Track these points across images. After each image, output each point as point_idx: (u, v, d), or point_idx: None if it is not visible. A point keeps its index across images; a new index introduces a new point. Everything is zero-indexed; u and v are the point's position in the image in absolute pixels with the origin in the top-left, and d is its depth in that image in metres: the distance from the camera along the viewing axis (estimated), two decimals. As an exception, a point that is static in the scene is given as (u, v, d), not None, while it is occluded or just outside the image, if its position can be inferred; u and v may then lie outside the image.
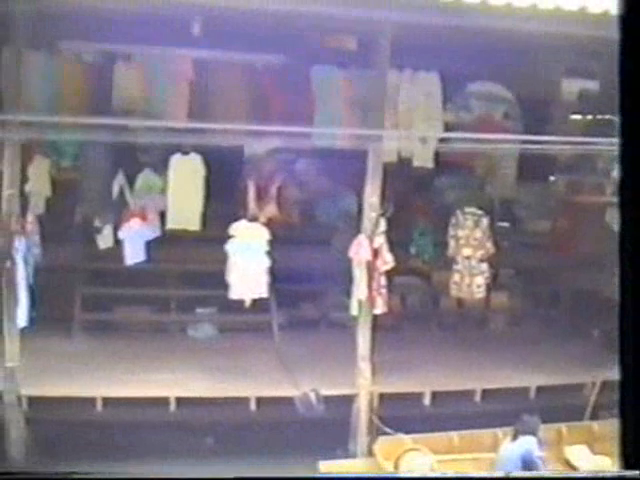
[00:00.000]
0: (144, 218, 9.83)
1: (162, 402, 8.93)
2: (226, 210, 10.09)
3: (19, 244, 8.34)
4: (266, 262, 9.62)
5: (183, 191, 9.94)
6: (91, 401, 8.80)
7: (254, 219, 9.81)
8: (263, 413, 9.12)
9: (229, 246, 9.52)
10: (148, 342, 10.64)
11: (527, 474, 7.57)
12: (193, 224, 10.02)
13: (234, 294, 9.64)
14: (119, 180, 9.86)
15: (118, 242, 9.87)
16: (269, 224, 9.90)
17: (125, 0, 7.94)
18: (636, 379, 5.15)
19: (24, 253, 8.43)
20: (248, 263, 9.55)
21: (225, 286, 9.64)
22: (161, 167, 10.07)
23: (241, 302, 9.75)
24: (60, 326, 10.43)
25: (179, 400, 8.96)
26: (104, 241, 10.04)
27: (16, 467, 8.40)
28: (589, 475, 8.07)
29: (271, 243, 9.63)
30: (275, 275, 9.82)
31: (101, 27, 8.89)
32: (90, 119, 8.22)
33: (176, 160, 9.92)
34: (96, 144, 9.28)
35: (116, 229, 9.86)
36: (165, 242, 9.98)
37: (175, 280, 11.55)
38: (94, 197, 10.01)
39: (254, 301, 9.78)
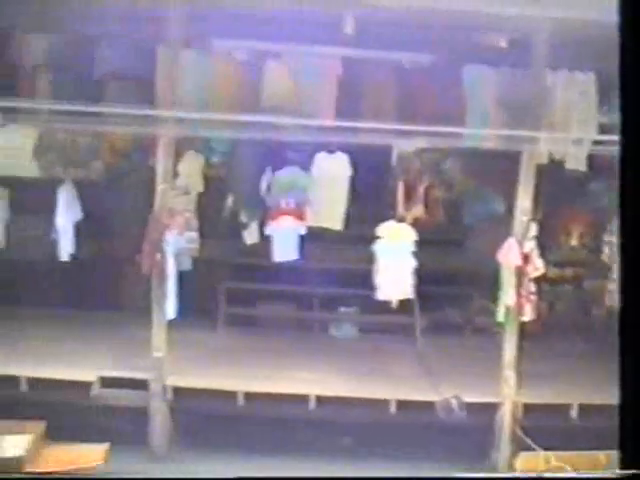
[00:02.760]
0: (298, 216, 9.84)
1: (302, 400, 8.95)
2: (372, 210, 10.04)
3: (170, 237, 8.58)
4: (412, 263, 9.52)
5: (327, 190, 9.91)
6: (233, 395, 8.90)
7: (402, 219, 9.73)
8: (403, 416, 8.98)
9: (377, 247, 9.47)
10: (290, 339, 10.76)
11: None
12: (335, 223, 9.98)
13: (382, 295, 9.59)
14: (267, 177, 9.96)
15: (264, 238, 9.96)
16: (414, 224, 9.79)
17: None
18: (636, 379, 5.16)
19: (175, 246, 8.68)
20: (395, 264, 9.49)
21: (369, 286, 9.59)
22: (309, 165, 10.10)
23: (383, 303, 9.66)
24: (206, 319, 10.71)
25: (319, 398, 8.95)
26: (250, 237, 10.16)
27: (159, 455, 8.65)
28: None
29: (417, 244, 9.53)
30: (420, 277, 9.70)
31: (252, 26, 9.00)
32: (240, 116, 8.36)
33: (321, 158, 9.92)
34: (245, 141, 9.39)
35: (262, 225, 9.95)
36: (310, 240, 9.99)
37: (319, 278, 11.60)
38: (242, 193, 10.15)
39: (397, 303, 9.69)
